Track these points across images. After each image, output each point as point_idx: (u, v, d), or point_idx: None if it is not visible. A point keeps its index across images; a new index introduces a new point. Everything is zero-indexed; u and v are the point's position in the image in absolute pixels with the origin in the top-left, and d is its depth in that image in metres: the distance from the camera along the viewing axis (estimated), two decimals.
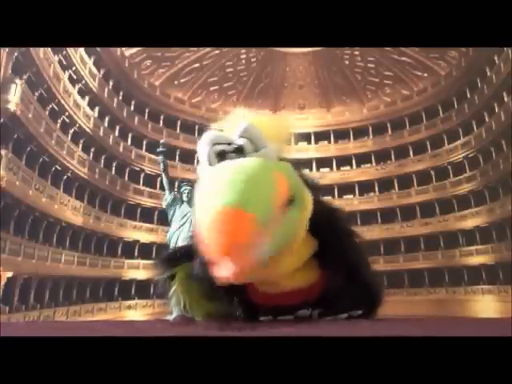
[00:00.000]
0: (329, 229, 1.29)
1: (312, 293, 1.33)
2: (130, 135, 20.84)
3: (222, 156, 1.24)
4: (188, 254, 1.30)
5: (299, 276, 1.30)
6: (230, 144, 1.25)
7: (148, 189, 20.64)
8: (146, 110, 22.14)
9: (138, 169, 20.89)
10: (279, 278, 1.26)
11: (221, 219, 0.96)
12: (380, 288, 1.49)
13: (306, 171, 1.63)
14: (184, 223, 3.47)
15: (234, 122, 1.35)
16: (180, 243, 2.78)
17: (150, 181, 20.58)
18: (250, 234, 0.95)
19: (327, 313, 1.32)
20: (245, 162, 1.17)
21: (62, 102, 15.20)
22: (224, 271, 0.94)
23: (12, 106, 11.49)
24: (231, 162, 1.20)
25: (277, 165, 1.16)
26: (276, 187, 1.06)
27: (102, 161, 18.50)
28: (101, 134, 18.16)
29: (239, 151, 1.24)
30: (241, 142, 1.25)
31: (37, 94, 13.57)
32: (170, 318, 1.52)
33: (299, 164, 1.51)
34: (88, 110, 17.30)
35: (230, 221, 0.95)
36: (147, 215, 20.14)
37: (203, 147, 1.27)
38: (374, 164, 24.65)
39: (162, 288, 1.37)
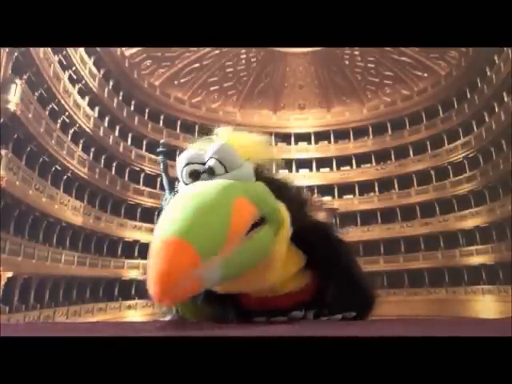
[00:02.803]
0: (317, 240, 1.30)
1: (305, 295, 1.34)
2: (129, 135, 20.83)
3: (195, 176, 1.25)
4: None
5: (291, 280, 1.31)
6: (204, 164, 1.26)
7: (148, 189, 20.64)
8: (146, 110, 22.13)
9: (138, 169, 20.89)
10: (265, 287, 1.27)
11: (158, 250, 1.00)
12: (372, 290, 1.49)
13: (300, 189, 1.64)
14: None
15: (215, 141, 1.36)
16: None
17: (150, 181, 20.58)
18: (184, 263, 0.97)
19: (321, 314, 1.33)
20: (201, 187, 1.18)
21: (62, 101, 15.20)
22: (153, 295, 0.98)
23: (12, 106, 11.49)
24: (189, 187, 1.23)
25: (240, 188, 1.16)
26: (233, 212, 1.07)
27: (102, 161, 18.49)
28: (101, 134, 18.15)
29: (210, 173, 1.24)
30: (211, 163, 1.25)
31: (37, 94, 13.56)
32: (167, 318, 1.52)
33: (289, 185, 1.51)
34: (88, 109, 17.30)
35: (166, 252, 0.98)
36: (147, 215, 20.11)
37: (178, 166, 1.29)
38: (374, 164, 24.64)
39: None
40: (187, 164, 1.27)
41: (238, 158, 1.28)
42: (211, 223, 1.03)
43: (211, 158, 1.25)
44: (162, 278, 0.95)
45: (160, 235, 1.04)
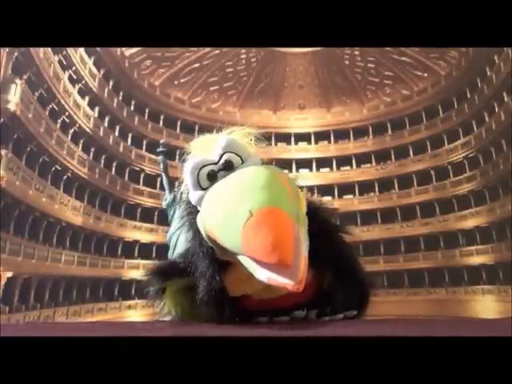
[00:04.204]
0: (317, 228, 1.27)
1: (306, 294, 1.33)
2: (130, 135, 20.84)
3: (211, 177, 1.22)
4: (182, 269, 1.28)
5: None
6: (216, 164, 1.23)
7: (148, 189, 20.64)
8: (146, 110, 22.14)
9: (138, 169, 20.89)
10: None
11: (262, 219, 0.90)
12: (370, 286, 1.48)
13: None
14: (184, 223, 3.46)
15: (206, 146, 1.34)
16: (179, 246, 2.76)
17: (150, 181, 20.58)
18: (293, 230, 0.91)
19: (323, 313, 1.32)
20: (250, 170, 1.12)
21: (62, 101, 15.21)
22: (286, 278, 0.87)
23: (12, 106, 11.50)
24: (235, 173, 1.15)
25: (277, 169, 1.15)
26: (288, 190, 1.04)
27: (102, 161, 18.50)
28: (101, 134, 18.16)
29: (228, 167, 1.21)
30: (227, 156, 1.21)
31: (37, 94, 13.57)
32: (167, 319, 1.52)
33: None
34: (88, 109, 17.31)
35: (272, 219, 0.89)
36: (147, 215, 20.13)
37: (191, 173, 1.23)
38: (374, 164, 24.65)
39: (151, 298, 1.37)
40: (202, 167, 1.25)
41: (247, 148, 1.28)
42: (288, 196, 1.00)
43: (226, 152, 1.24)
44: (282, 242, 0.85)
45: (241, 212, 0.93)
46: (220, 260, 1.15)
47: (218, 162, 1.22)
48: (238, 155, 1.22)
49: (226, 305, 1.28)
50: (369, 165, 24.77)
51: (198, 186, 1.22)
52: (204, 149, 1.34)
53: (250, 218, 0.91)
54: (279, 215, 0.91)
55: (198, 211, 1.18)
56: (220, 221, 1.01)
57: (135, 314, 17.75)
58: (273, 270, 0.88)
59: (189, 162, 1.27)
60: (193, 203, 1.25)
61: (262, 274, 0.90)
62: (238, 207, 0.96)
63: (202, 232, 1.12)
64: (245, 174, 1.12)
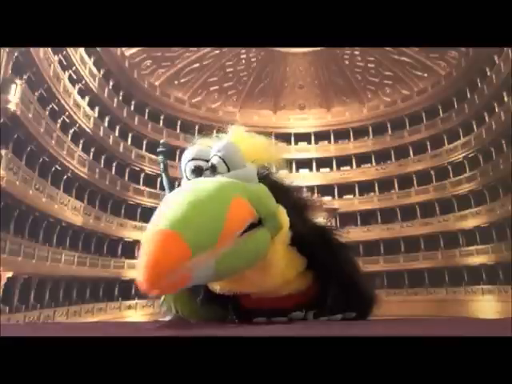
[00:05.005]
0: (317, 244, 1.30)
1: (305, 296, 1.34)
2: (130, 135, 20.84)
3: (198, 172, 1.25)
4: None
5: (292, 283, 1.30)
6: (208, 161, 1.26)
7: (148, 189, 20.64)
8: (146, 110, 22.14)
9: (138, 169, 20.89)
10: (265, 290, 1.27)
11: (150, 240, 0.99)
12: (372, 292, 1.49)
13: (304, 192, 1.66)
14: None
15: (223, 138, 1.36)
16: None
17: (150, 181, 20.58)
18: (173, 255, 0.97)
19: (321, 314, 1.33)
20: (200, 183, 1.18)
21: (62, 101, 15.20)
22: (141, 284, 0.99)
23: (12, 106, 11.49)
24: (189, 182, 1.23)
25: (240, 188, 1.15)
26: (229, 211, 1.06)
27: (102, 161, 18.50)
28: (101, 134, 18.16)
29: (212, 170, 1.24)
30: (214, 160, 1.26)
31: (37, 94, 13.57)
32: (167, 319, 1.52)
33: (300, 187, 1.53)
34: (88, 109, 17.30)
35: (157, 242, 0.97)
36: (147, 215, 19.92)
37: (183, 161, 1.30)
38: (374, 164, 24.65)
39: (152, 296, 1.38)
40: (191, 159, 1.27)
41: (241, 159, 1.28)
42: (205, 219, 1.03)
43: (215, 155, 1.25)
44: (150, 267, 0.95)
45: (152, 227, 1.04)
46: None
47: (209, 161, 1.25)
48: (226, 163, 1.23)
49: (227, 302, 1.28)
50: (369, 165, 24.77)
51: (185, 175, 1.29)
52: (207, 143, 1.36)
53: (146, 237, 1.02)
54: (165, 238, 0.98)
55: None
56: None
57: (135, 314, 17.75)
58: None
59: (188, 149, 1.30)
60: None
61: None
62: (153, 220, 1.07)
63: None
64: (183, 189, 1.20)
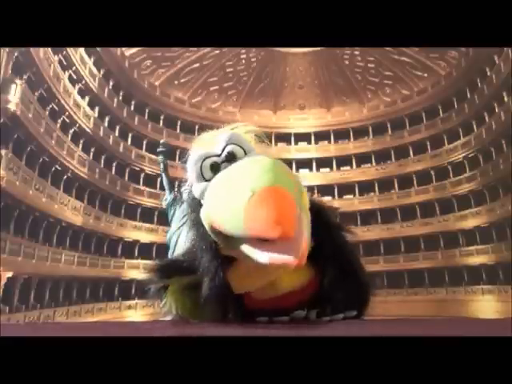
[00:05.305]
0: (320, 227, 1.27)
1: (306, 293, 1.33)
2: (130, 135, 20.85)
3: (214, 169, 1.23)
4: (184, 268, 1.29)
5: (292, 277, 1.29)
6: (219, 155, 1.25)
7: (148, 189, 20.65)
8: (146, 110, 22.15)
9: (138, 169, 20.90)
10: (273, 280, 1.25)
11: (265, 196, 0.90)
12: (370, 287, 1.48)
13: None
14: (184, 223, 3.45)
15: (209, 140, 1.35)
16: (180, 245, 2.75)
17: (150, 181, 20.60)
18: (295, 208, 0.91)
19: (323, 313, 1.32)
20: (252, 158, 1.14)
21: (62, 101, 15.21)
22: (285, 254, 0.87)
23: (12, 106, 11.50)
24: (237, 163, 1.17)
25: (280, 162, 1.15)
26: (292, 179, 1.05)
27: (102, 161, 18.51)
28: (101, 134, 18.17)
29: (230, 158, 1.22)
30: (230, 148, 1.23)
31: (37, 94, 13.57)
32: (167, 318, 1.52)
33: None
34: (88, 109, 17.31)
35: (276, 196, 0.90)
36: (147, 215, 20.14)
37: (195, 165, 1.25)
38: (374, 164, 24.66)
39: (152, 296, 1.37)
40: (206, 158, 1.26)
41: (249, 141, 1.29)
42: (293, 182, 1.01)
43: (228, 144, 1.25)
44: (284, 216, 0.85)
45: (253, 186, 0.92)
46: (223, 255, 1.16)
47: (221, 154, 1.24)
48: (241, 147, 1.23)
49: (230, 302, 1.27)
50: (369, 165, 24.78)
51: (201, 177, 1.23)
52: (207, 143, 1.35)
53: (253, 196, 0.91)
54: (282, 193, 0.90)
55: (200, 207, 1.18)
56: (222, 203, 1.00)
57: (135, 314, 17.76)
58: (273, 250, 0.88)
59: (192, 155, 1.28)
60: (196, 196, 1.25)
61: (263, 257, 0.90)
62: (239, 188, 0.96)
63: (206, 225, 1.12)
64: (246, 161, 1.14)
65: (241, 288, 1.23)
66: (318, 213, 1.29)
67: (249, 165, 1.09)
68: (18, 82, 11.75)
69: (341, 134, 25.75)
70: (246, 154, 1.22)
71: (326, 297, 1.31)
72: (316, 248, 1.26)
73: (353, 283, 1.34)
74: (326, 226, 1.30)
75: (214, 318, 1.32)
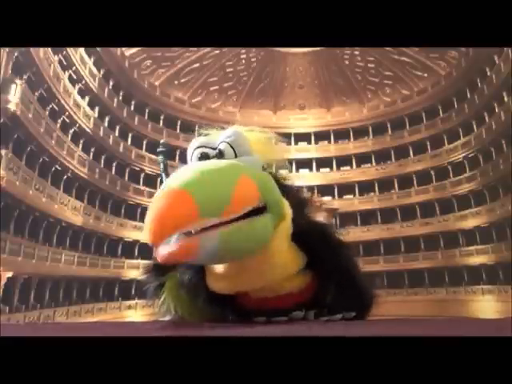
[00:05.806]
0: (316, 241, 1.30)
1: (305, 295, 1.34)
2: (130, 135, 20.85)
3: (203, 159, 1.26)
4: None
5: (292, 280, 1.30)
6: (214, 149, 1.27)
7: (148, 189, 20.65)
8: (146, 110, 22.15)
9: (138, 169, 20.90)
10: (266, 285, 1.26)
11: (159, 197, 0.99)
12: (371, 291, 1.49)
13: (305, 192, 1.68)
14: None
15: (219, 132, 1.38)
16: None
17: (150, 181, 20.60)
18: (184, 213, 0.95)
19: (321, 313, 1.32)
20: (213, 160, 1.20)
21: (62, 101, 15.22)
22: (163, 248, 0.97)
23: (12, 106, 11.50)
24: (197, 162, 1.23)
25: (248, 170, 1.14)
26: (238, 185, 1.05)
27: (102, 161, 18.51)
28: (101, 134, 18.17)
29: (219, 156, 1.25)
30: (222, 146, 1.26)
31: (37, 94, 13.57)
32: (167, 318, 1.52)
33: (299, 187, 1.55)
34: (88, 109, 17.31)
35: (167, 199, 0.97)
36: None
37: (189, 150, 1.31)
38: (374, 164, 24.67)
39: (150, 296, 1.38)
40: (198, 147, 1.28)
41: (249, 147, 1.29)
42: (214, 187, 1.02)
43: (223, 141, 1.27)
44: (158, 220, 0.93)
45: (162, 188, 1.04)
46: None
47: (216, 148, 1.26)
48: (233, 149, 1.24)
49: (227, 302, 1.28)
50: (369, 165, 24.78)
51: (191, 162, 1.29)
52: (215, 134, 1.37)
53: (157, 196, 1.01)
54: (177, 196, 0.97)
55: None
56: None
57: (135, 314, 17.75)
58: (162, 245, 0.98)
59: (195, 139, 1.32)
60: None
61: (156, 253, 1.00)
62: (164, 183, 1.07)
63: None
64: (196, 163, 1.21)
65: (219, 288, 1.24)
66: (317, 230, 1.33)
67: (187, 166, 1.15)
68: (18, 81, 11.75)
69: (341, 134, 25.75)
70: (236, 156, 1.24)
71: (323, 299, 1.32)
72: (313, 259, 1.28)
73: (352, 289, 1.35)
74: (323, 241, 1.32)
75: (211, 317, 1.32)
